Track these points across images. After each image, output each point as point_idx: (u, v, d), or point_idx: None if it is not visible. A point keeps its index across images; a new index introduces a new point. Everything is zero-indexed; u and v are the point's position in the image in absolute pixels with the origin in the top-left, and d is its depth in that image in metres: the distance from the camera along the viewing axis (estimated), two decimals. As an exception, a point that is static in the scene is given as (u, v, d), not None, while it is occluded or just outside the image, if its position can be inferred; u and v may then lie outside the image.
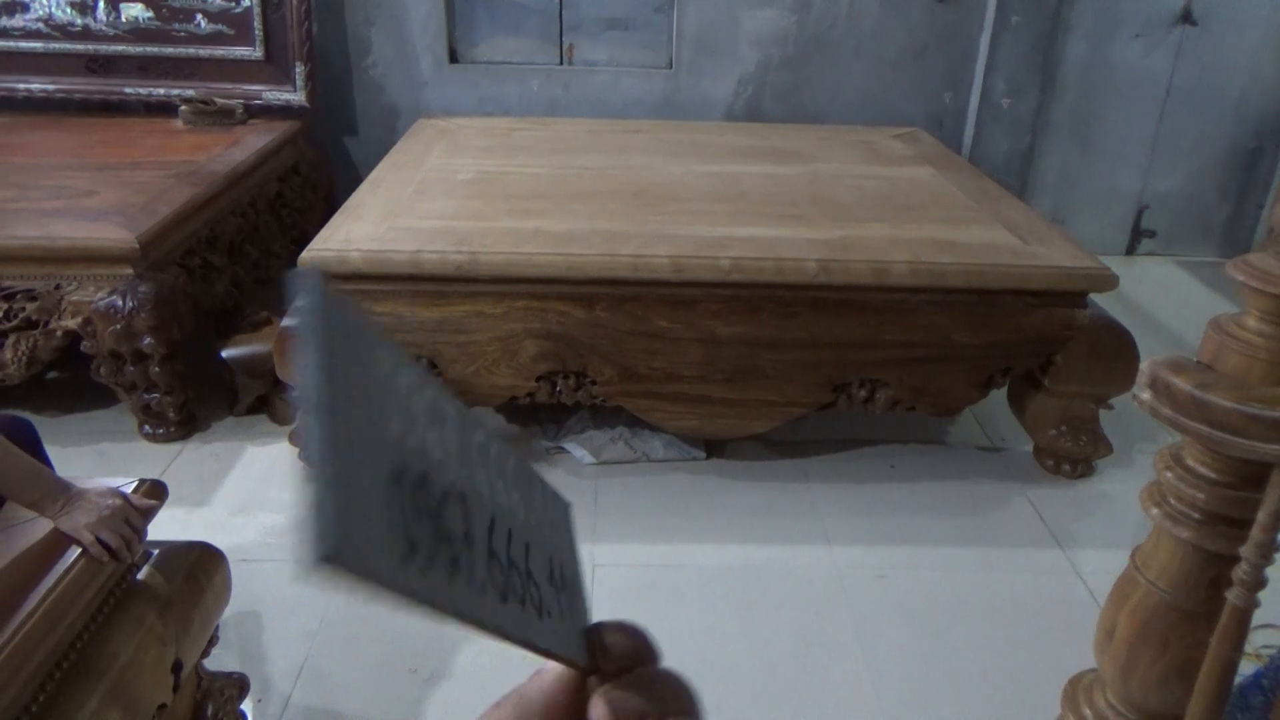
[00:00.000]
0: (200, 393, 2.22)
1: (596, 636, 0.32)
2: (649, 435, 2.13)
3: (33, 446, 1.27)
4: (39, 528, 1.16)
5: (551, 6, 3.14)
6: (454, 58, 3.16)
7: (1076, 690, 1.18)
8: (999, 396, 2.17)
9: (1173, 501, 0.99)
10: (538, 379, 1.97)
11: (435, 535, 0.24)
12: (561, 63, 3.20)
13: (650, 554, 1.85)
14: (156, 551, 1.30)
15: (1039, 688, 1.50)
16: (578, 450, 2.12)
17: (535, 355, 1.94)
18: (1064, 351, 1.97)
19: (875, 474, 2.14)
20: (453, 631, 1.39)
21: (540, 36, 3.18)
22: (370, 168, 2.46)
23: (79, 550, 1.14)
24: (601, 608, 0.33)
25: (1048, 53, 3.19)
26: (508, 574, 0.28)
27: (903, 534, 1.93)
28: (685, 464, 2.13)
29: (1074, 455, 2.10)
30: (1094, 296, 1.98)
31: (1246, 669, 1.26)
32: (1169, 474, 0.98)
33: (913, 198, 2.29)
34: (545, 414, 2.22)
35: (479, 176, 2.35)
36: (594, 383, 1.97)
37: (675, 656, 0.32)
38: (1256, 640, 1.64)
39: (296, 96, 2.90)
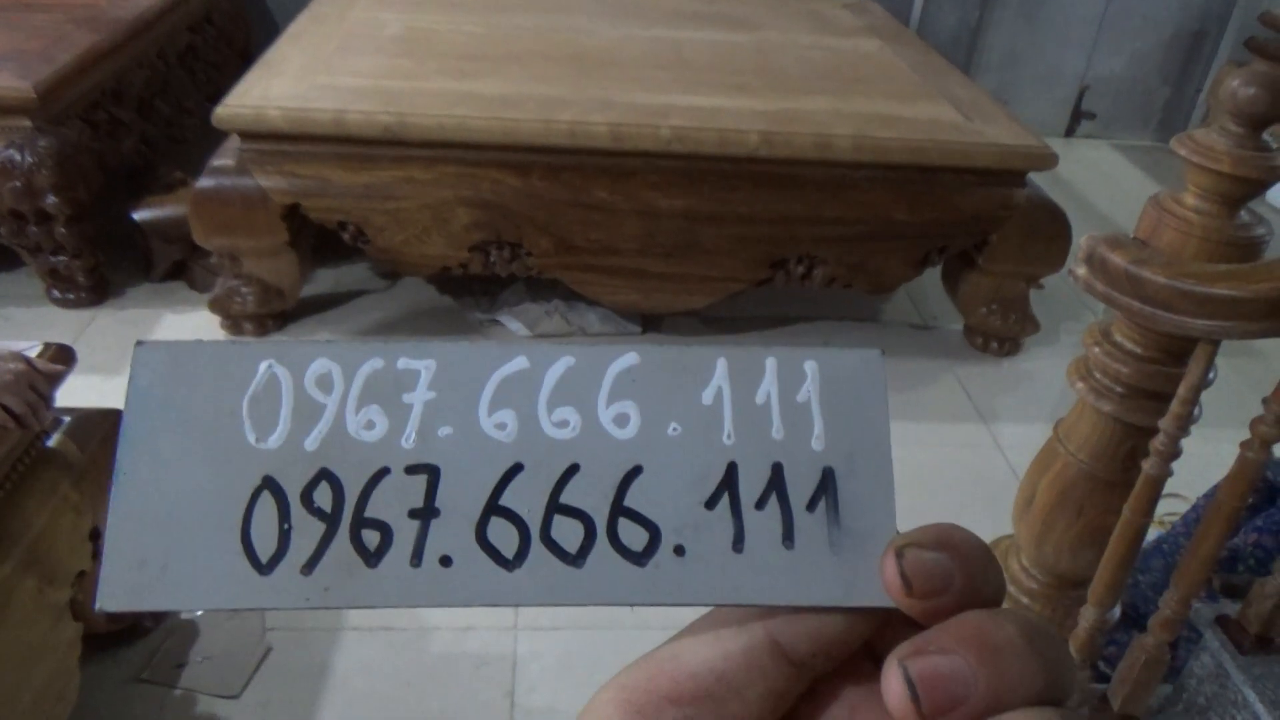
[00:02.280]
0: (113, 257, 2.11)
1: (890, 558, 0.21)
2: (585, 309, 2.10)
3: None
4: (-64, 393, 1.10)
5: None
6: (380, -99, 2.93)
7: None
8: (932, 275, 2.18)
9: (1098, 376, 1.00)
10: (471, 249, 1.91)
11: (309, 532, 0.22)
12: (497, -89, 2.99)
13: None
14: (68, 419, 1.25)
15: (956, 554, 1.57)
16: (512, 323, 2.09)
17: (468, 224, 1.88)
18: (1000, 231, 1.98)
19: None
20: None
21: (474, -119, 2.95)
22: (289, 20, 2.29)
23: (-19, 416, 1.08)
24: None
25: (1002, -78, 3.09)
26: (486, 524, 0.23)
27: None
28: (621, 338, 2.11)
29: (1002, 333, 2.14)
30: (1032, 177, 1.98)
31: (1150, 535, 1.32)
32: (1096, 349, 1.00)
33: (859, 70, 2.24)
34: (479, 286, 2.17)
35: (408, 33, 2.21)
36: (529, 254, 1.92)
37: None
38: (1161, 509, 1.73)
39: (206, -63, 2.67)
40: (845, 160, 1.86)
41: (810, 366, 0.24)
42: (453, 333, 2.09)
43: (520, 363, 0.24)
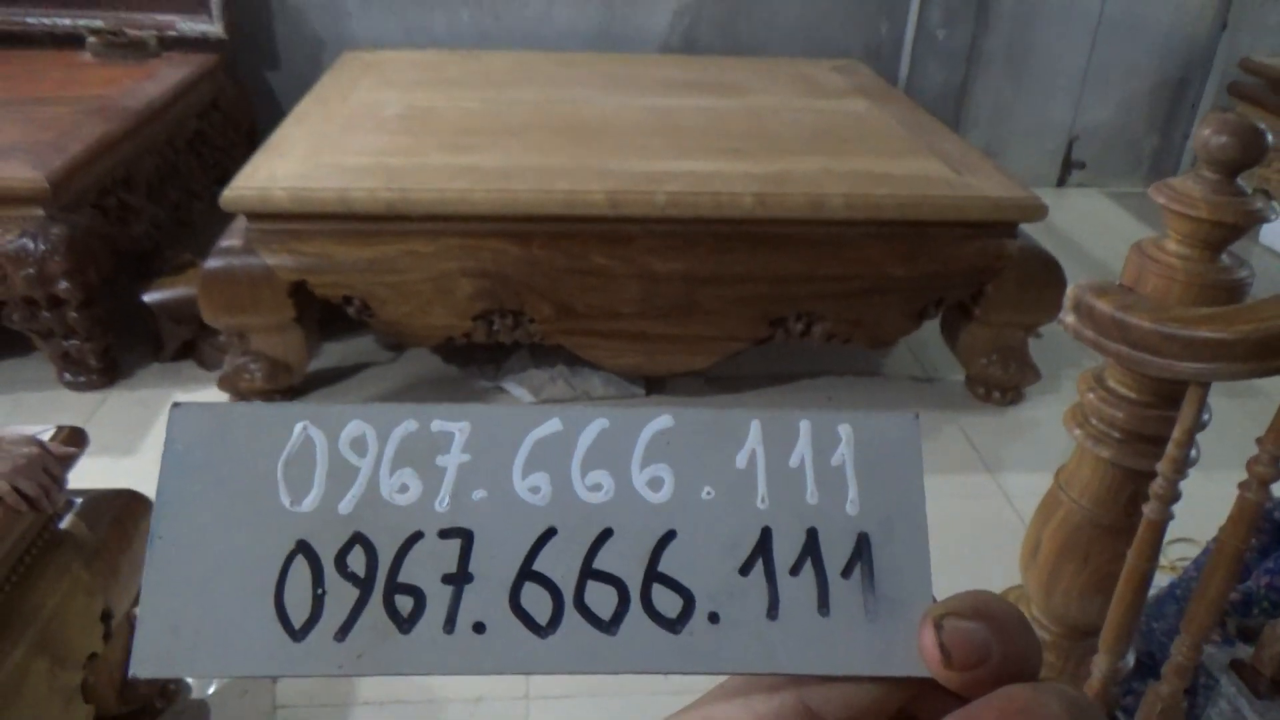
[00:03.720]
0: (124, 339, 2.14)
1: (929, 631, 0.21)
2: (588, 373, 2.12)
3: (-60, 395, 1.21)
4: (-49, 479, 1.12)
5: (480, -67, 3.02)
6: (379, -13, 3.04)
7: (1003, 606, 1.23)
8: (932, 327, 2.20)
9: (1094, 421, 1.01)
10: (474, 318, 1.94)
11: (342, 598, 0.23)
12: (492, -8, 3.09)
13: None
14: (80, 500, 1.26)
15: (968, 606, 1.55)
16: (517, 389, 2.11)
17: (471, 294, 1.91)
18: (995, 281, 2.01)
19: (813, 406, 2.16)
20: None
21: (469, -36, 3.07)
22: (293, 103, 2.37)
23: (-6, 501, 1.10)
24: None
25: (982, -17, 3.19)
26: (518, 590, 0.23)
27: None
28: (625, 400, 2.13)
29: (1004, 383, 2.15)
30: (1024, 227, 2.01)
31: (1162, 581, 1.32)
32: (1091, 395, 1.01)
33: (849, 130, 2.29)
34: (483, 354, 2.20)
35: (408, 111, 2.28)
36: (532, 321, 1.95)
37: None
38: (1172, 553, 1.72)
39: (213, 27, 2.76)
40: (839, 218, 1.89)
41: (844, 430, 0.24)
42: (457, 399, 2.10)
43: (554, 425, 0.24)
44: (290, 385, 2.03)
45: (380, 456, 0.23)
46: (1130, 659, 1.04)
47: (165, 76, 2.55)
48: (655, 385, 2.17)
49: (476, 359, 2.21)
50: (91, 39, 2.68)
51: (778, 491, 0.23)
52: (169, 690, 1.36)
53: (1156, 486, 0.91)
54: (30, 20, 2.73)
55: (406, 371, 2.22)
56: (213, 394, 2.02)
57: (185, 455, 0.23)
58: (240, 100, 2.94)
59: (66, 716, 1.13)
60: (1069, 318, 0.94)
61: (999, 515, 1.84)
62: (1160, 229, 0.95)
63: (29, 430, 1.21)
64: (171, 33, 2.75)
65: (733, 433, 0.24)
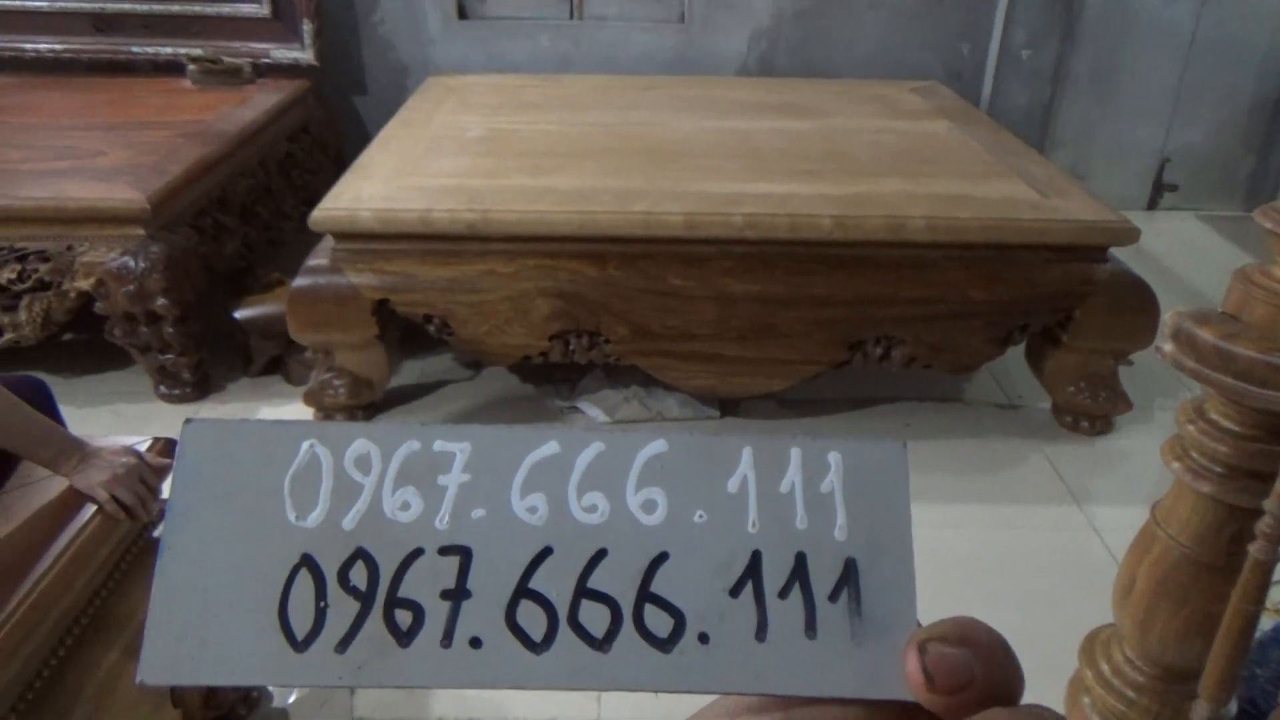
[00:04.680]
0: (215, 354, 2.22)
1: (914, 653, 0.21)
2: (663, 394, 2.12)
3: (48, 407, 1.27)
4: (54, 486, 1.17)
5: (561, -40, 3.08)
6: (462, 13, 3.12)
7: (1094, 645, 1.18)
8: (1016, 352, 2.14)
9: (1194, 455, 0.97)
10: (551, 338, 1.96)
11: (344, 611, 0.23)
12: (571, 16, 3.14)
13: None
14: (172, 510, 1.31)
15: (1056, 643, 1.50)
16: (592, 409, 2.12)
17: (548, 314, 1.93)
18: (1083, 307, 1.94)
19: (891, 432, 2.13)
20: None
21: (550, -10, 3.12)
22: (379, 126, 2.43)
23: (94, 508, 1.14)
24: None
25: (1068, 2, 3.11)
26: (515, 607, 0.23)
27: (919, 492, 1.92)
28: (700, 422, 2.12)
29: (1093, 412, 2.07)
30: (1114, 251, 1.95)
31: (1266, 624, 1.25)
32: (1191, 427, 0.97)
33: (929, 152, 2.25)
34: (559, 373, 2.22)
35: (489, 134, 2.32)
36: (607, 341, 1.96)
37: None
38: (1275, 595, 1.63)
39: (304, 55, 2.86)
40: (919, 241, 1.86)
41: (834, 458, 0.24)
42: (533, 418, 2.13)
43: (552, 447, 0.24)
44: (372, 401, 2.07)
45: (384, 474, 0.24)
46: (1233, 707, 0.98)
47: (259, 102, 2.65)
48: (730, 408, 2.16)
49: (552, 378, 2.22)
50: (191, 67, 2.80)
51: (768, 516, 0.24)
52: (251, 698, 1.39)
53: (1264, 525, 0.86)
54: (135, 50, 2.87)
55: (484, 390, 2.25)
56: (298, 409, 2.08)
57: (196, 469, 0.24)
58: (328, 124, 3.04)
59: (156, 720, 1.16)
60: (1167, 346, 0.90)
61: (1087, 549, 1.78)
62: (1261, 254, 0.91)
63: (127, 441, 1.26)
64: (265, 60, 2.86)
65: (725, 458, 0.24)
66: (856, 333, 1.97)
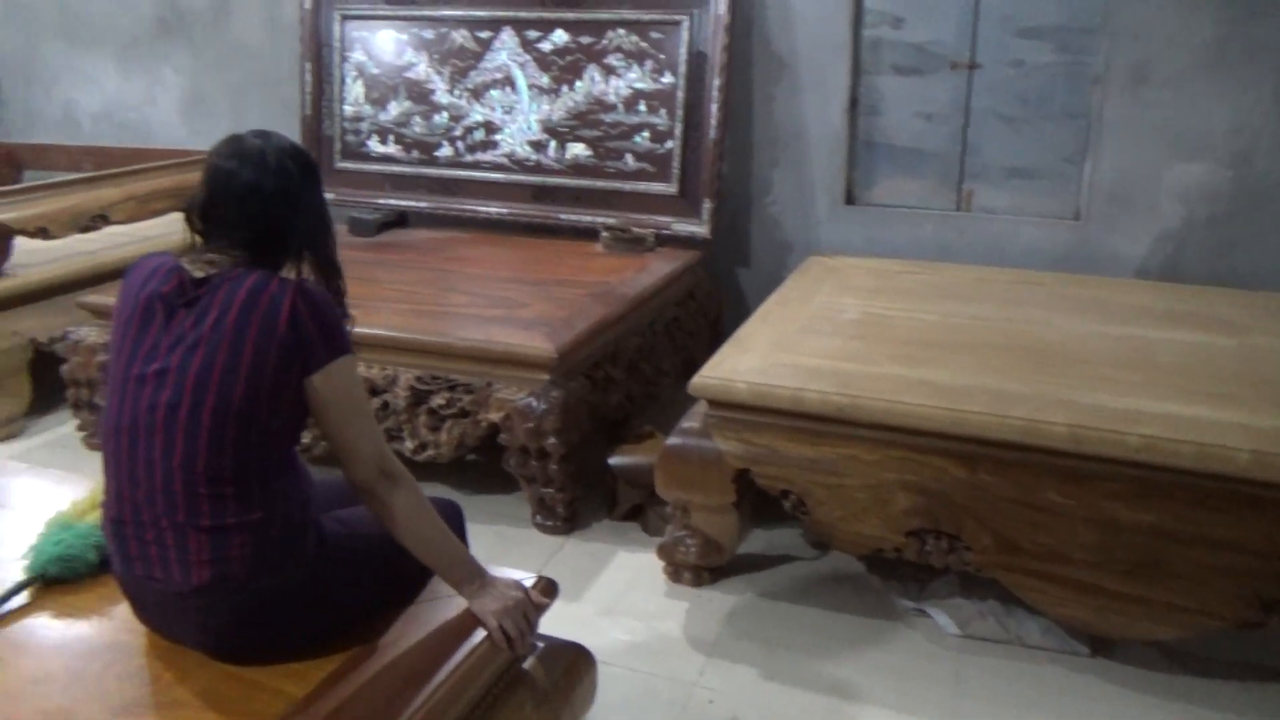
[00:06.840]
0: (585, 493, 2.42)
1: None
2: (1025, 616, 1.95)
3: (459, 529, 1.46)
4: (455, 604, 1.33)
5: (953, 153, 3.13)
6: (850, 199, 3.25)
7: None
8: None
9: None
10: (907, 534, 1.90)
11: None
12: (958, 208, 3.16)
13: (1013, 749, 1.67)
14: (541, 645, 1.42)
15: None
16: (941, 617, 2.00)
17: (907, 509, 1.88)
18: None
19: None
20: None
21: (938, 181, 3.17)
22: (758, 297, 2.58)
23: (484, 633, 1.28)
24: None
25: None
26: None
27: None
28: (1064, 657, 1.91)
29: None
30: None
31: None
32: None
33: (1384, 387, 1.93)
34: (908, 569, 2.12)
35: (865, 317, 2.37)
36: (968, 548, 1.86)
37: None
38: None
39: (701, 229, 3.14)
40: (1368, 494, 1.58)
41: None
42: (875, 614, 2.05)
43: None
44: (719, 564, 2.13)
45: None
46: None
47: (656, 269, 2.94)
48: (1102, 646, 1.92)
49: (899, 573, 2.14)
50: (604, 234, 3.19)
51: None
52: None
53: None
54: (562, 217, 3.33)
55: (827, 572, 2.22)
56: (650, 559, 2.19)
57: None
58: (712, 292, 3.29)
59: None
60: None
61: None
62: None
63: (516, 574, 1.40)
64: (666, 231, 3.19)
65: None
66: (1271, 591, 1.68)
